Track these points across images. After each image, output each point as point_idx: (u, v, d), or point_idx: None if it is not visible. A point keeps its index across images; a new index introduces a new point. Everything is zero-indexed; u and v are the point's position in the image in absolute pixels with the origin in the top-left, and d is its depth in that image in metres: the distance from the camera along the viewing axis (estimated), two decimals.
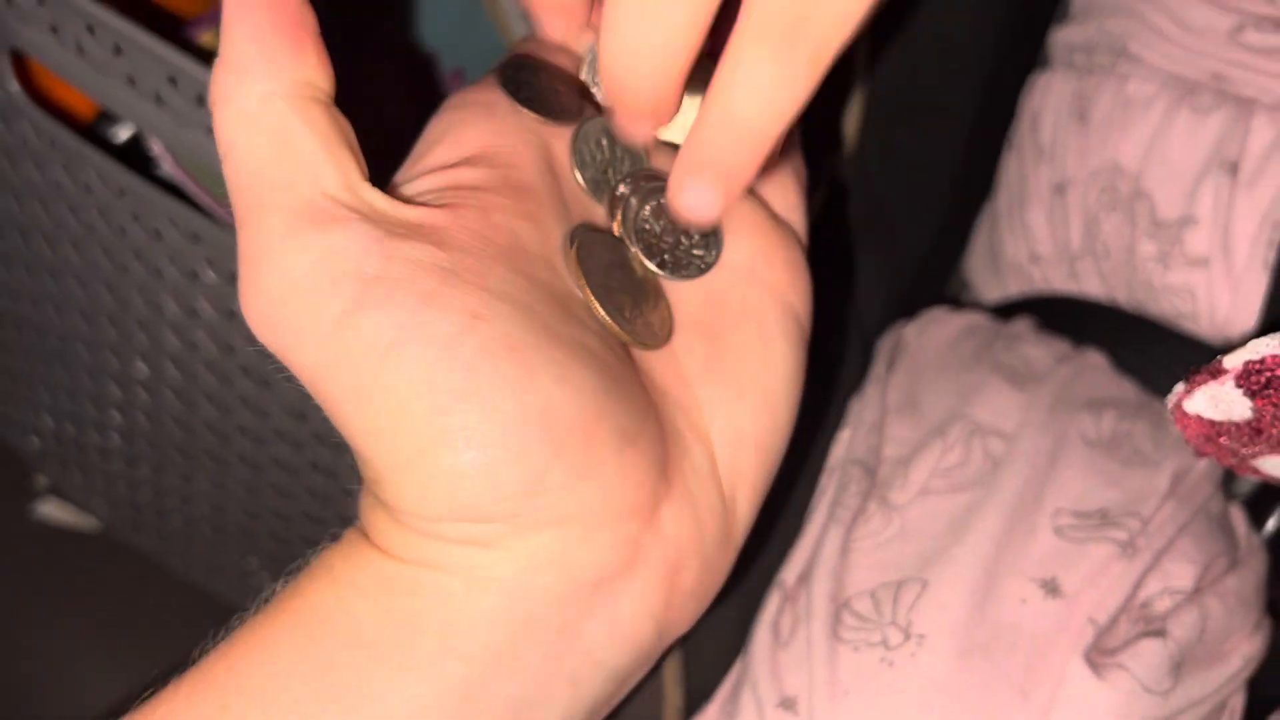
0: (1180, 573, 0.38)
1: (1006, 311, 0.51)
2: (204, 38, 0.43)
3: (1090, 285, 0.51)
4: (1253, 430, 0.32)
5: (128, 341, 0.47)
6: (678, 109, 0.26)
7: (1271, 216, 0.44)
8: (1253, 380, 0.30)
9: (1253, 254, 0.45)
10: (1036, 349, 0.45)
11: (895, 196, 0.52)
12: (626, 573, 0.27)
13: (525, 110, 0.30)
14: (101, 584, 0.59)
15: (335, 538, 0.28)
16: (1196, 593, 0.38)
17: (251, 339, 0.43)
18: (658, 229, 0.30)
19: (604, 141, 0.31)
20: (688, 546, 0.28)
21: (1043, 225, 0.52)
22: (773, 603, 0.40)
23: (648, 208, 0.30)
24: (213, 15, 0.44)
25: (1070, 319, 0.49)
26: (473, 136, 0.29)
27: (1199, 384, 0.32)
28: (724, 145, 0.25)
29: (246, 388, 0.46)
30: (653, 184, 0.31)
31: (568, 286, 0.28)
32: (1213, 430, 0.33)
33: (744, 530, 0.30)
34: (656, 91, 0.25)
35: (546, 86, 0.31)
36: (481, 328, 0.25)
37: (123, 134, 0.47)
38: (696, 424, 0.29)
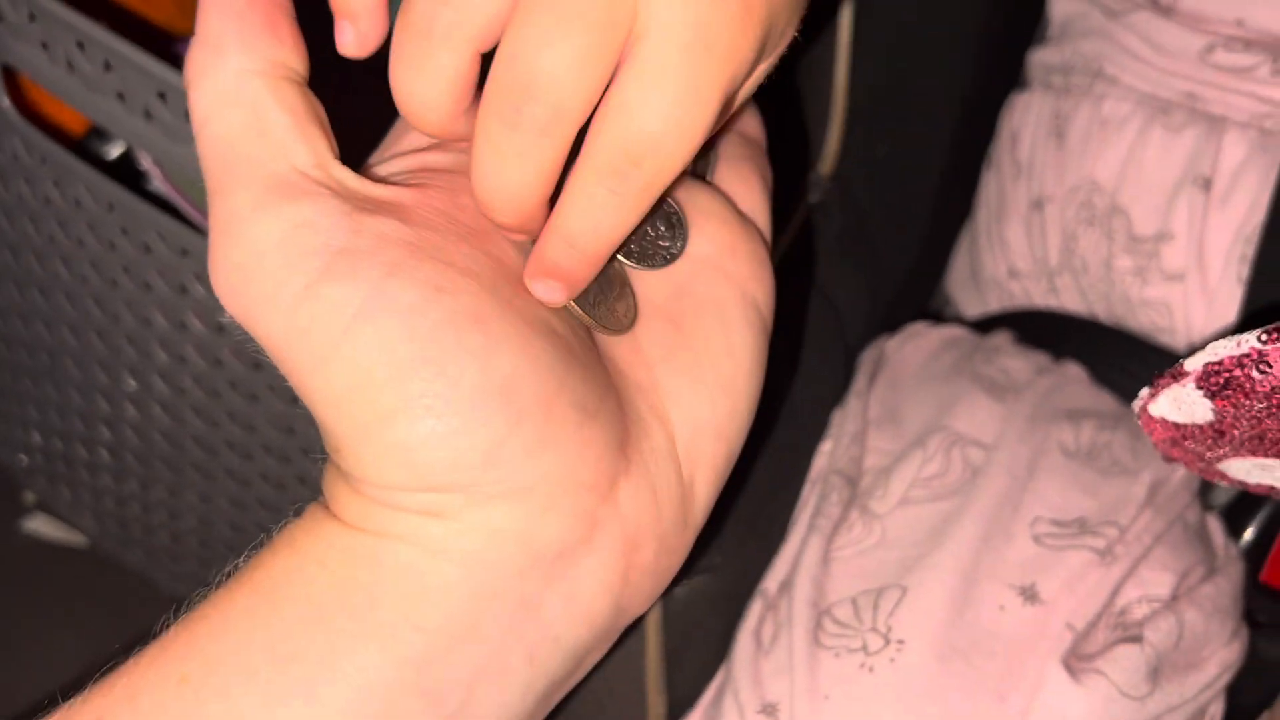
0: (1157, 580, 0.38)
1: (987, 326, 0.52)
2: None
3: (1069, 300, 0.52)
4: (1215, 432, 0.33)
5: (116, 356, 0.47)
6: (543, 222, 0.28)
7: (1244, 231, 0.45)
8: (1212, 381, 0.31)
9: (1226, 269, 0.46)
10: (1016, 361, 0.46)
11: (877, 212, 0.52)
12: (584, 547, 0.27)
13: None
14: (89, 599, 0.59)
15: (299, 513, 0.28)
16: (1174, 601, 0.38)
17: (240, 353, 0.44)
18: None
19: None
20: (645, 524, 0.28)
21: (1021, 241, 0.53)
22: (755, 611, 0.40)
23: None
24: None
25: (1049, 333, 0.50)
26: None
27: (1162, 387, 0.33)
28: (562, 258, 0.28)
29: (234, 402, 0.46)
30: None
31: None
32: (1177, 433, 0.34)
33: (702, 514, 0.31)
34: (521, 221, 0.28)
35: None
36: (445, 300, 0.25)
37: (114, 151, 0.48)
38: (657, 407, 0.29)
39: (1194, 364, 0.31)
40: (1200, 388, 0.31)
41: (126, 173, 0.44)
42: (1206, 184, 0.46)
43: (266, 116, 0.27)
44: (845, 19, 0.48)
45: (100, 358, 0.48)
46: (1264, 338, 0.29)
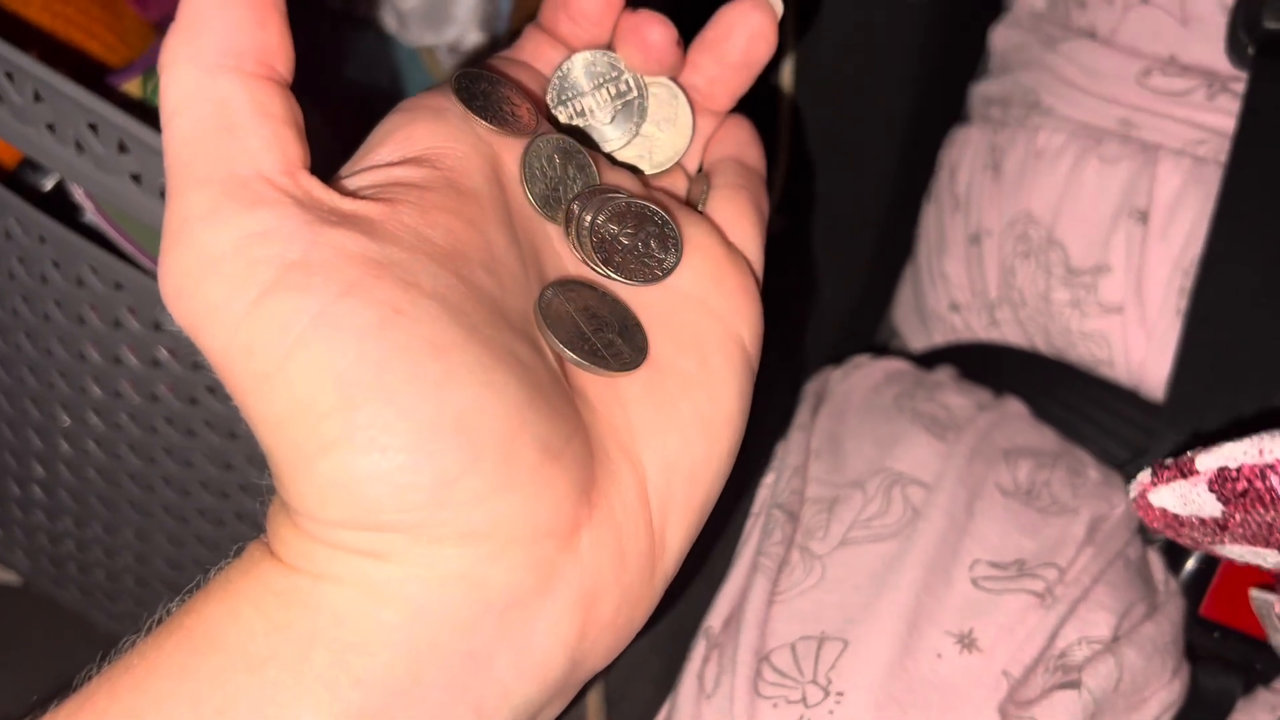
0: (1097, 621, 0.38)
1: (930, 359, 0.52)
2: (127, 86, 0.43)
3: (1010, 332, 0.52)
4: (1218, 526, 0.32)
5: (49, 391, 0.46)
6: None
7: (1182, 264, 0.46)
8: (1227, 488, 0.29)
9: (1165, 301, 0.46)
10: (957, 397, 0.46)
11: (820, 244, 0.53)
12: (539, 598, 0.25)
13: (474, 116, 0.29)
14: (23, 639, 0.58)
15: (239, 553, 0.26)
16: (1114, 642, 0.38)
17: (177, 387, 0.43)
18: (615, 231, 0.30)
19: (556, 159, 0.30)
20: (607, 575, 0.26)
21: (961, 274, 0.53)
22: (699, 651, 0.40)
23: (601, 216, 0.30)
24: (139, 64, 0.44)
25: (990, 367, 0.50)
26: (419, 138, 0.28)
27: (1166, 479, 0.31)
28: None
29: (171, 437, 0.45)
30: (606, 197, 0.31)
31: (504, 294, 0.27)
32: (1175, 521, 0.32)
33: (673, 564, 0.29)
34: None
35: (502, 97, 0.31)
36: (402, 323, 0.24)
37: (48, 182, 0.47)
38: (629, 448, 0.28)
39: (1206, 465, 0.30)
40: (1213, 491, 0.30)
41: (60, 205, 0.43)
42: (1143, 216, 0.46)
43: (237, 115, 0.25)
44: (787, 58, 0.48)
45: (32, 393, 0.47)
46: None
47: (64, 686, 0.25)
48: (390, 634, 0.24)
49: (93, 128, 0.37)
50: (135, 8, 0.49)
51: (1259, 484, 0.29)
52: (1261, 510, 0.30)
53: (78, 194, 0.42)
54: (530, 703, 0.26)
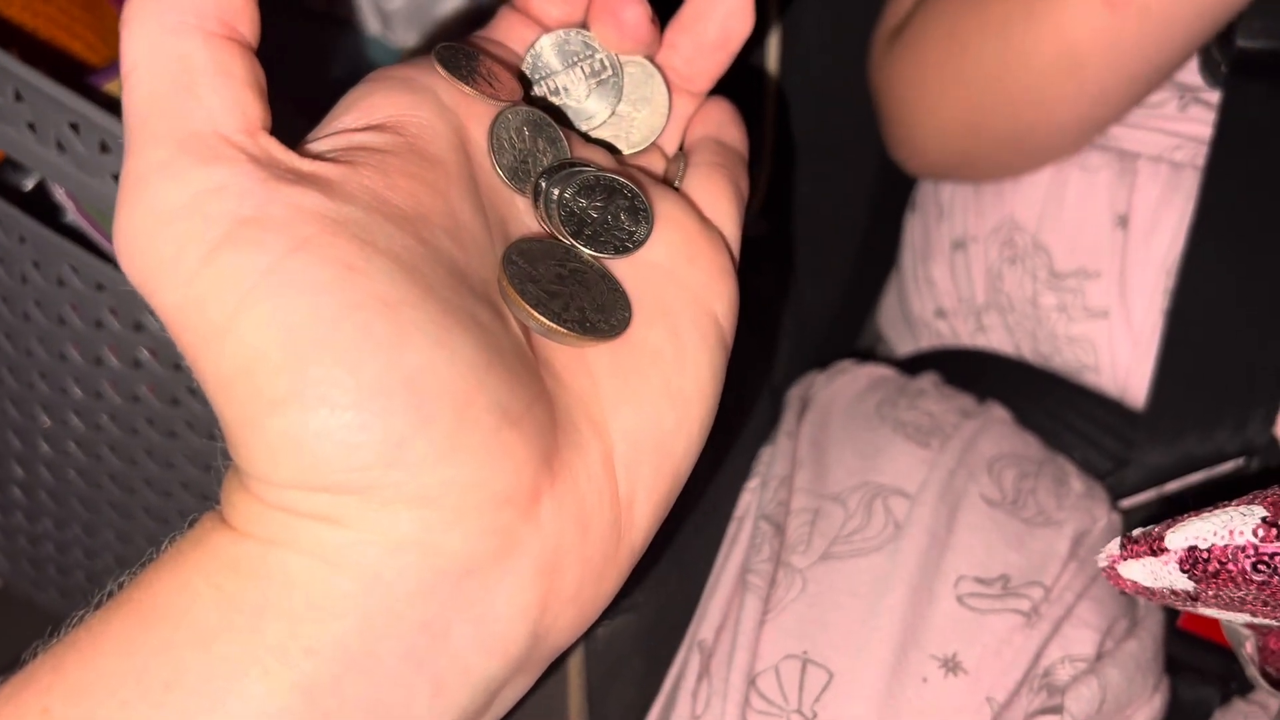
0: (1081, 639, 0.38)
1: (916, 365, 0.52)
2: (108, 86, 0.42)
3: (998, 338, 0.52)
4: (1189, 597, 0.32)
5: (29, 392, 0.46)
6: None
7: (1165, 266, 0.46)
8: (1199, 568, 0.29)
9: (1150, 306, 0.46)
10: (940, 404, 0.46)
11: (803, 251, 0.53)
12: (496, 566, 0.24)
13: (458, 81, 0.29)
14: (1, 642, 0.57)
15: (192, 524, 0.25)
16: (1097, 661, 0.38)
17: (158, 388, 0.43)
18: (584, 204, 0.30)
19: (525, 131, 0.30)
20: (569, 545, 0.26)
21: (947, 280, 0.53)
22: (692, 668, 0.39)
23: (570, 190, 0.30)
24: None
25: (975, 373, 0.50)
26: (385, 106, 0.28)
27: (1136, 553, 0.31)
28: None
29: (153, 439, 0.45)
30: (575, 170, 0.30)
31: (467, 259, 0.27)
32: (1147, 591, 0.32)
33: (641, 539, 0.28)
34: None
35: (484, 69, 0.30)
36: (355, 280, 0.23)
37: (29, 182, 0.47)
38: (595, 418, 0.27)
39: (1176, 544, 0.30)
40: (1184, 570, 0.30)
41: (41, 205, 0.43)
42: (1124, 222, 0.47)
43: (197, 73, 0.25)
44: (771, 62, 0.48)
45: (12, 394, 0.47)
46: (1261, 532, 0.28)
47: (11, 665, 0.24)
48: (343, 602, 0.23)
49: (74, 127, 0.37)
50: (116, 7, 0.49)
51: (1231, 566, 0.29)
52: (1234, 588, 0.29)
53: (59, 194, 0.42)
54: (491, 678, 0.25)
